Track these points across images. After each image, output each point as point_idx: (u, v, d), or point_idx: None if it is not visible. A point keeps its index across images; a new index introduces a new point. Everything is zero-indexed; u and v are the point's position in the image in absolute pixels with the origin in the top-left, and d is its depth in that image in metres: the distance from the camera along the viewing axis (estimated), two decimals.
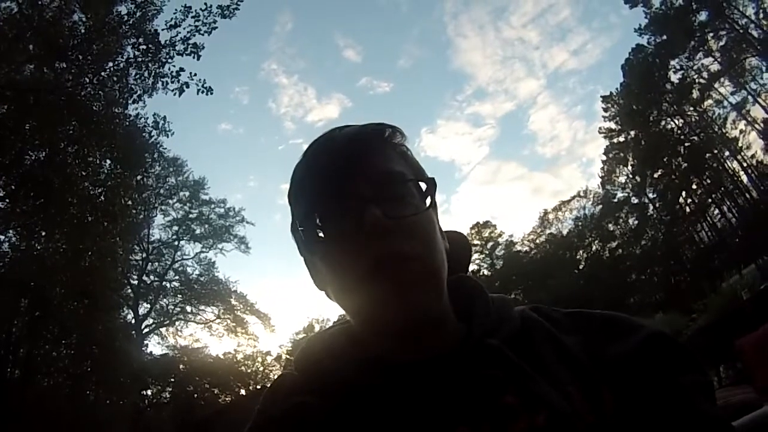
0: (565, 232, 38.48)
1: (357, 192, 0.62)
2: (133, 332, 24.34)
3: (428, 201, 0.66)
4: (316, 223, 0.65)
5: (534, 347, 0.63)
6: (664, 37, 28.08)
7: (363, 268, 0.60)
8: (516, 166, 64.37)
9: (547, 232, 39.59)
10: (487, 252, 39.95)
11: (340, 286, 0.64)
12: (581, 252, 37.62)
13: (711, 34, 27.19)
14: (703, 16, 26.96)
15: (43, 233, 13.26)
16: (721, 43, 27.15)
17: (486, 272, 38.82)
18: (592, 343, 0.65)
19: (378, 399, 0.58)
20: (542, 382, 0.58)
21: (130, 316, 25.17)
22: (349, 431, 0.57)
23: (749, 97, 27.40)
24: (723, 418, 0.60)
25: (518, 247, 40.52)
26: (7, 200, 12.34)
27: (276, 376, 0.70)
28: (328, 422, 0.58)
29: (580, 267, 36.65)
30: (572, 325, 0.69)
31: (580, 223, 37.43)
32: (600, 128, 34.33)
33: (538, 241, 39.91)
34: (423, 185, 0.67)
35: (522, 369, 0.59)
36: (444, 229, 0.73)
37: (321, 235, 0.64)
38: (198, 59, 11.10)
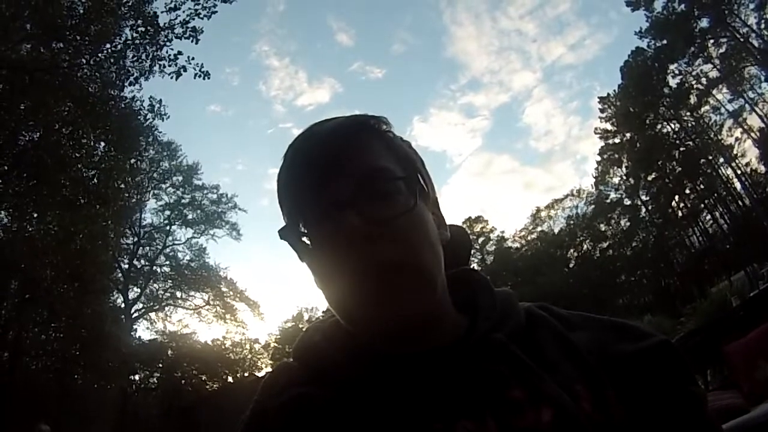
0: (556, 230, 38.58)
1: (336, 195, 0.59)
2: (123, 316, 24.22)
3: (416, 196, 0.61)
4: (300, 230, 0.63)
5: (540, 343, 0.62)
6: (665, 41, 28.11)
7: (347, 278, 0.58)
8: (508, 159, 63.64)
9: (539, 229, 39.64)
10: (477, 247, 39.98)
11: (329, 295, 0.62)
12: (572, 251, 37.72)
13: (711, 41, 27.26)
14: (704, 22, 27.03)
15: (35, 215, 13.15)
16: (721, 51, 27.24)
17: (476, 267, 38.63)
18: (600, 342, 0.64)
19: (378, 389, 0.57)
20: (548, 379, 0.57)
21: (119, 300, 25.08)
22: (348, 422, 0.56)
23: (746, 105, 27.57)
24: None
25: (509, 243, 40.55)
26: (0, 180, 12.23)
27: (274, 366, 0.68)
28: (326, 413, 0.57)
29: (570, 266, 36.75)
30: (580, 324, 0.67)
31: (572, 222, 37.48)
32: (596, 128, 34.46)
33: (529, 237, 39.96)
34: (407, 181, 0.62)
35: (528, 365, 0.58)
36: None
37: (306, 241, 0.62)
38: (196, 43, 11.06)
